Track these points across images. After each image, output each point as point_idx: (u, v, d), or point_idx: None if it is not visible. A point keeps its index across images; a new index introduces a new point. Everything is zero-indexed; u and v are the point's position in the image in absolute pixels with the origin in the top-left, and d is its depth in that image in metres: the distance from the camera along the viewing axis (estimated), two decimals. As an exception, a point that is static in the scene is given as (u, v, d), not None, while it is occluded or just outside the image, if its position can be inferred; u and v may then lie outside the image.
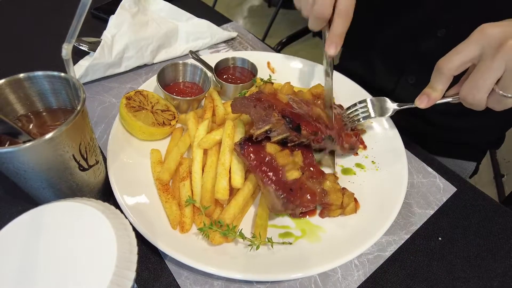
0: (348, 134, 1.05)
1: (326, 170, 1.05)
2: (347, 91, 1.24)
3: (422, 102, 0.88)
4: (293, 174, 0.86)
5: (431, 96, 0.86)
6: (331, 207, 0.90)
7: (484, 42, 0.72)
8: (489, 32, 0.72)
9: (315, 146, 0.98)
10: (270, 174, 0.85)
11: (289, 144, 0.94)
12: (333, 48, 1.00)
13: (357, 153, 1.10)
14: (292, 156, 0.90)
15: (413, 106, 0.94)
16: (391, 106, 1.05)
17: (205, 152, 0.97)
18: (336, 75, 1.29)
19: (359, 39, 1.57)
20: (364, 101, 1.08)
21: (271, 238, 0.84)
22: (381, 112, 1.06)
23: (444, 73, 0.80)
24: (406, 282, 0.85)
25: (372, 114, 1.06)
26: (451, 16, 1.16)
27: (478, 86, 0.75)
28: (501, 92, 0.74)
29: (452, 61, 0.78)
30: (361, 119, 1.07)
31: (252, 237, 0.84)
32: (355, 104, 1.09)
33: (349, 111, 1.09)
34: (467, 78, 0.78)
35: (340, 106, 1.15)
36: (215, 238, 0.81)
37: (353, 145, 1.06)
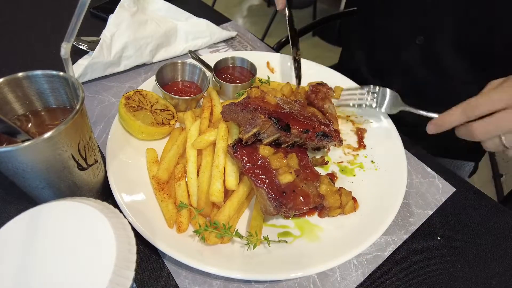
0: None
1: (322, 172, 1.06)
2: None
3: (432, 130, 0.91)
4: (286, 178, 0.85)
5: (444, 126, 0.88)
6: (330, 208, 0.91)
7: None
8: None
9: (312, 145, 0.98)
10: (263, 177, 0.85)
11: (283, 145, 0.94)
12: (280, 4, 1.22)
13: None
14: (286, 159, 0.90)
15: (422, 114, 0.97)
16: (400, 104, 1.05)
17: (200, 152, 0.97)
18: (339, 75, 1.31)
19: (344, 49, 1.59)
20: (379, 89, 1.09)
21: (267, 237, 0.84)
22: (385, 106, 1.07)
23: (467, 116, 0.82)
24: (405, 282, 0.85)
25: (374, 104, 1.07)
26: (428, 23, 1.18)
27: (488, 130, 0.79)
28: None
29: (479, 111, 0.80)
30: (362, 105, 1.09)
31: (249, 235, 0.84)
32: (366, 87, 1.11)
33: (357, 91, 1.11)
34: (482, 119, 0.80)
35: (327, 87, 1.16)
36: (210, 238, 0.81)
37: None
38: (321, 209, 0.93)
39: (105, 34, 1.28)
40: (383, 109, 1.07)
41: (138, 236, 0.75)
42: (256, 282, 0.81)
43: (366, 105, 1.09)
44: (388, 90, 1.09)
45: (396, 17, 1.28)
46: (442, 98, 1.30)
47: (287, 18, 1.30)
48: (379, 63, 1.41)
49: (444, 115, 0.87)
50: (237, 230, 0.85)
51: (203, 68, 1.19)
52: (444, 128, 0.88)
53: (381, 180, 1.02)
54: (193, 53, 1.28)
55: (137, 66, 1.36)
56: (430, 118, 0.92)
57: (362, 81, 1.31)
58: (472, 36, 1.15)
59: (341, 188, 0.95)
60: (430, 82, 1.30)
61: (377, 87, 1.10)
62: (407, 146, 1.10)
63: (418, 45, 1.23)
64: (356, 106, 1.10)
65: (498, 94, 0.78)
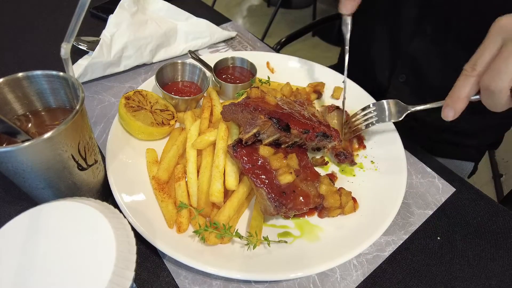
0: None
1: (322, 172, 1.05)
2: (353, 96, 1.22)
3: (449, 113, 0.80)
4: (286, 178, 0.85)
5: (459, 103, 0.78)
6: (330, 209, 0.91)
7: (504, 33, 0.71)
8: (507, 23, 0.71)
9: (312, 145, 0.98)
10: (263, 177, 0.85)
11: (282, 146, 0.94)
12: (347, 6, 1.02)
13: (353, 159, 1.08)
14: (286, 159, 0.90)
15: (429, 107, 0.92)
16: (404, 108, 1.01)
17: (200, 152, 0.97)
18: (355, 87, 1.28)
19: (353, 38, 1.58)
20: (375, 104, 1.06)
21: (267, 237, 0.84)
22: (391, 116, 1.03)
23: (471, 75, 0.75)
24: (405, 282, 0.85)
25: (376, 120, 1.04)
26: (438, 13, 1.17)
27: (501, 72, 0.70)
28: None
29: (479, 62, 0.73)
30: (370, 125, 1.05)
31: (249, 236, 0.84)
32: (366, 108, 1.08)
33: (360, 115, 1.08)
34: (488, 68, 0.73)
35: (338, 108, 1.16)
36: (210, 238, 0.81)
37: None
38: (321, 209, 0.93)
39: (105, 34, 1.28)
40: (390, 119, 1.03)
41: (138, 236, 0.75)
42: (256, 282, 0.81)
43: (372, 124, 1.05)
44: (383, 101, 1.05)
45: (406, 7, 1.26)
46: (448, 90, 1.30)
47: (348, 30, 1.08)
48: (385, 55, 1.40)
49: (452, 91, 0.79)
50: (237, 230, 0.85)
51: (203, 68, 1.19)
52: (459, 104, 0.78)
53: (381, 180, 1.02)
54: (193, 53, 1.28)
55: (137, 66, 1.36)
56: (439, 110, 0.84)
57: (363, 78, 1.29)
58: (481, 26, 1.13)
59: (341, 188, 0.95)
60: (437, 74, 1.28)
61: (371, 104, 1.06)
62: (407, 146, 1.10)
63: (427, 35, 1.22)
64: (364, 128, 1.06)
65: (487, 39, 0.73)
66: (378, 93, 1.32)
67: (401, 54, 1.32)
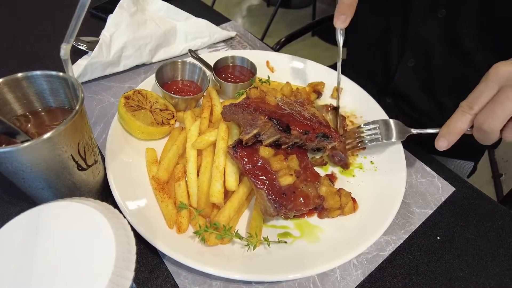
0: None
1: (321, 172, 1.05)
2: (364, 106, 1.23)
3: (443, 144, 0.85)
4: (286, 180, 0.85)
5: (452, 135, 0.84)
6: (330, 209, 0.90)
7: (501, 80, 0.75)
8: (506, 70, 0.75)
9: (312, 146, 0.98)
10: (263, 178, 0.85)
11: (283, 146, 0.94)
12: (342, 20, 0.99)
13: (346, 164, 1.08)
14: (286, 160, 0.90)
15: (429, 132, 0.95)
16: (406, 130, 1.03)
17: (200, 152, 0.97)
18: (355, 87, 1.28)
19: (362, 23, 1.56)
20: (379, 122, 1.07)
21: (267, 237, 0.84)
22: (390, 136, 1.05)
23: (468, 113, 0.80)
24: (405, 281, 0.85)
25: (381, 139, 1.05)
26: None
27: (495, 114, 0.75)
28: None
29: (477, 103, 0.78)
30: (374, 141, 1.05)
31: (249, 236, 0.84)
32: (370, 123, 1.08)
33: (364, 129, 1.08)
34: (484, 109, 0.79)
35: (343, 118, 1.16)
36: (210, 239, 0.81)
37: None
38: (320, 210, 0.93)
39: (104, 34, 1.28)
40: (393, 139, 1.04)
41: (138, 237, 0.75)
42: (256, 282, 0.81)
43: (378, 140, 1.05)
44: (390, 120, 1.07)
45: None
46: (455, 80, 1.28)
47: (341, 40, 1.08)
48: (395, 38, 1.38)
49: (447, 123, 0.84)
50: (237, 231, 0.85)
51: (203, 67, 1.19)
52: (453, 137, 0.84)
53: (380, 180, 1.02)
54: (193, 52, 1.28)
55: (137, 66, 1.36)
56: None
57: (372, 62, 1.24)
58: (496, 13, 1.11)
59: (340, 189, 0.95)
60: (447, 61, 1.27)
61: (378, 121, 1.08)
62: (406, 146, 1.10)
63: (439, 19, 1.20)
64: (368, 142, 1.06)
65: (485, 84, 0.77)
66: (385, 78, 1.29)
67: (411, 38, 1.31)
